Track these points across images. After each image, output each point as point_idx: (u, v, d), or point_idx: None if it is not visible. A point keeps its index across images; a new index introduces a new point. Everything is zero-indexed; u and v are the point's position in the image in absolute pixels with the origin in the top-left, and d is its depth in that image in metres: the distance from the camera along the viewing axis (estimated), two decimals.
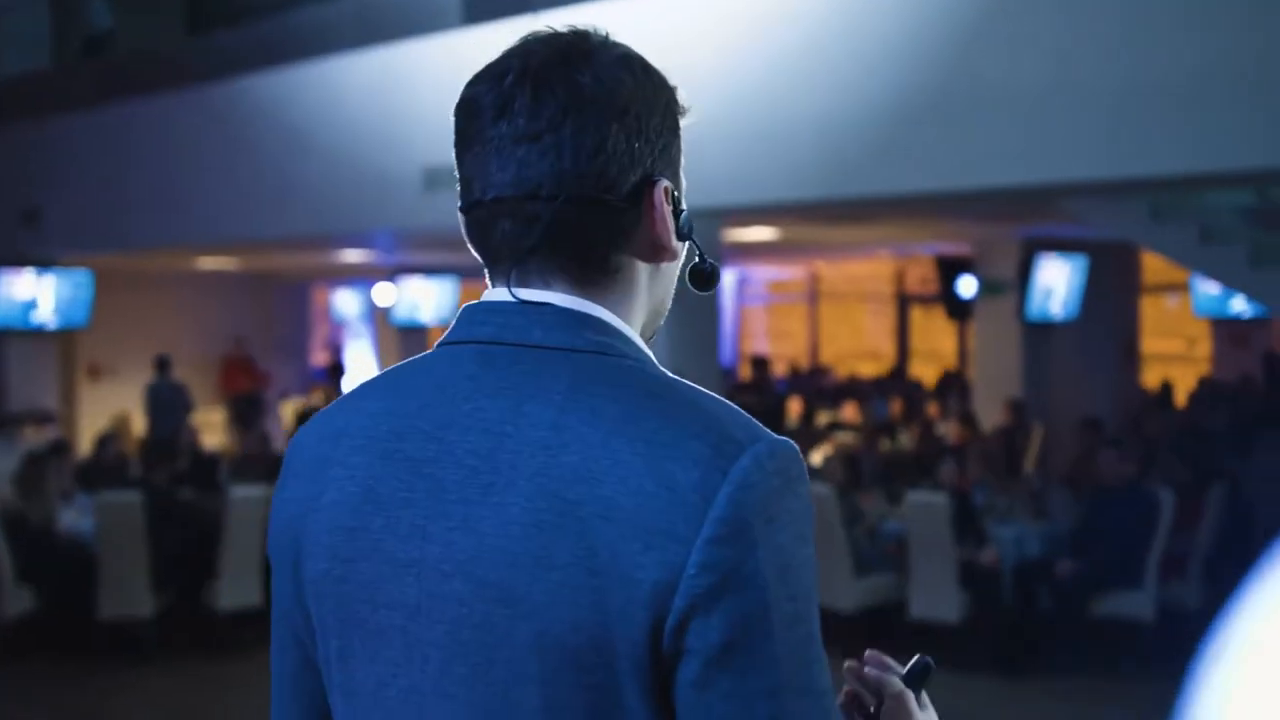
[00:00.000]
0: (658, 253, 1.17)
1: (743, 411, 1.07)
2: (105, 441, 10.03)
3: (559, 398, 1.06)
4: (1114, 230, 9.30)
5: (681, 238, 1.18)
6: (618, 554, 1.01)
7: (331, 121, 10.15)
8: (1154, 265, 13.96)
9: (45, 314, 12.50)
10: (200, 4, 12.50)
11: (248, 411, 14.13)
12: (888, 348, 19.49)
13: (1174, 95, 6.37)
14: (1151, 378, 14.76)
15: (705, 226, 9.35)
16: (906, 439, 11.50)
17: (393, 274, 14.61)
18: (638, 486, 1.01)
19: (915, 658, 1.27)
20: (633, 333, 1.16)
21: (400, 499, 1.09)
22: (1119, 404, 12.25)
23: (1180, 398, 13.10)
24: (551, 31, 1.17)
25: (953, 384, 15.14)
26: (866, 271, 19.10)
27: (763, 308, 21.18)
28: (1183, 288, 14.51)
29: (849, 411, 12.76)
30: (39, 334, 12.85)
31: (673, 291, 1.23)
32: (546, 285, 1.13)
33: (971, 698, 7.11)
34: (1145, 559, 7.39)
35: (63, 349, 13.94)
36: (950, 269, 12.91)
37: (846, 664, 1.26)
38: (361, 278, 17.30)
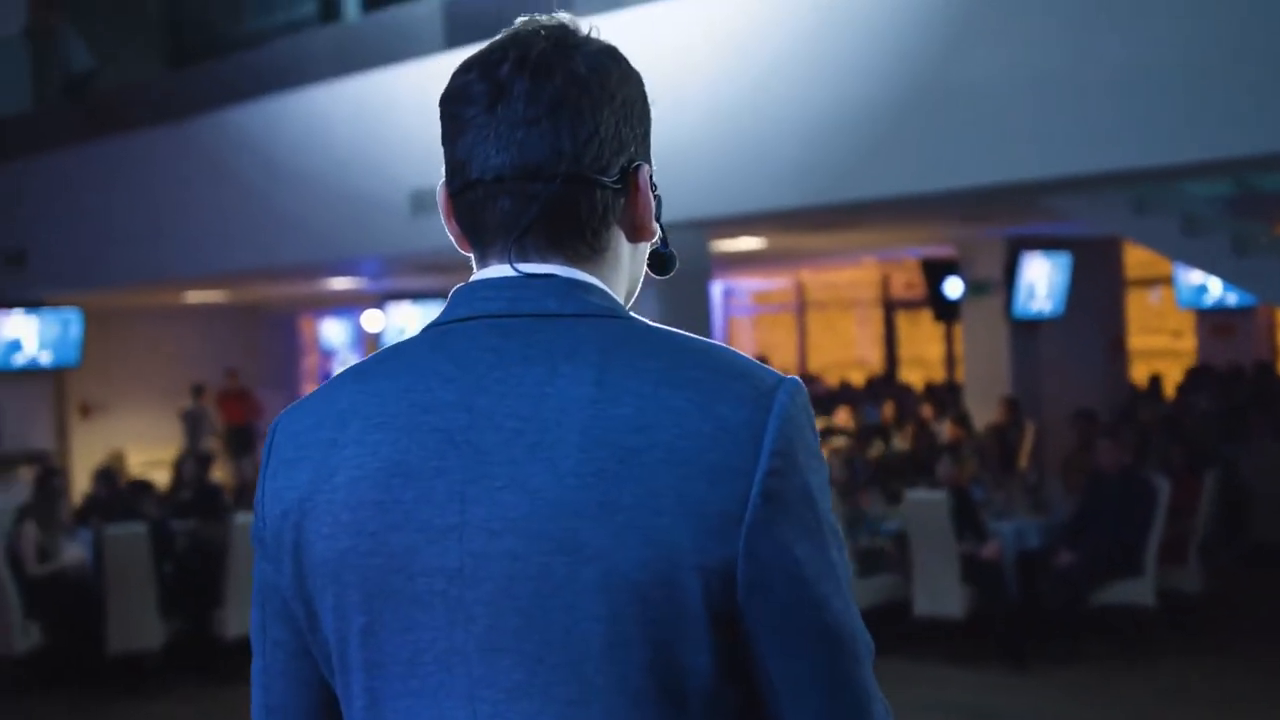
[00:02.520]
0: (640, 232, 1.24)
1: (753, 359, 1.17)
2: (104, 475, 10.04)
3: (595, 356, 1.12)
4: (1097, 225, 9.40)
5: (657, 219, 1.26)
6: (684, 494, 1.08)
7: (316, 150, 10.20)
8: (1137, 259, 14.07)
9: (35, 353, 12.51)
10: (180, 38, 12.54)
11: (242, 442, 14.16)
12: (875, 355, 19.56)
13: (1152, 86, 6.46)
14: (1138, 372, 14.86)
15: (691, 238, 9.44)
16: (900, 441, 11.56)
17: (381, 300, 14.64)
18: (695, 429, 1.09)
19: None
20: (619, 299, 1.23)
21: (432, 468, 1.12)
22: (1108, 398, 12.34)
23: (1169, 391, 13.20)
24: (542, 23, 1.23)
25: (941, 391, 15.23)
26: (852, 279, 19.18)
27: (750, 319, 21.25)
28: (1166, 281, 14.63)
29: (841, 417, 12.80)
30: (30, 374, 12.85)
31: (643, 272, 1.30)
32: (544, 260, 1.19)
33: (979, 691, 7.16)
34: (1144, 546, 7.45)
35: (54, 388, 13.93)
36: (936, 271, 13.00)
37: None
38: (349, 305, 17.32)
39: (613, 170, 1.20)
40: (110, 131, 11.69)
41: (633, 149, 1.22)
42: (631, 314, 1.20)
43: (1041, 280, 12.05)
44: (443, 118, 1.22)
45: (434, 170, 1.24)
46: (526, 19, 1.24)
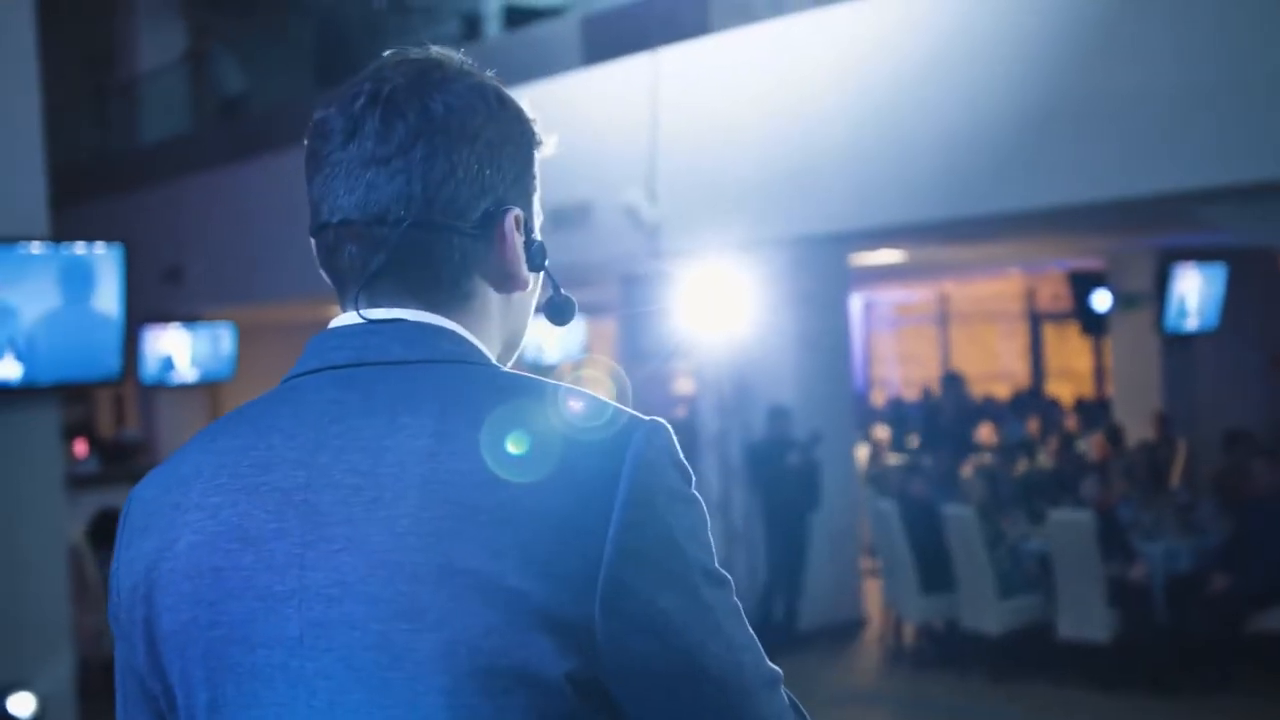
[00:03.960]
0: (509, 282, 1.16)
1: (613, 402, 1.08)
2: None
3: (436, 406, 1.05)
4: (1253, 235, 9.07)
5: (534, 268, 1.17)
6: (531, 552, 1.00)
7: None
8: None
9: (190, 368, 12.93)
10: (327, 60, 12.86)
11: None
12: (1020, 368, 19.17)
13: None
14: None
15: (829, 251, 9.36)
16: (1044, 458, 11.29)
17: None
18: (541, 482, 1.01)
19: None
20: (489, 353, 1.15)
21: (271, 530, 1.06)
22: (1267, 415, 11.88)
23: None
24: (406, 56, 1.15)
25: (1090, 407, 14.85)
26: (996, 290, 18.84)
27: (892, 332, 20.99)
28: None
29: (984, 433, 12.57)
30: (188, 387, 13.29)
31: (527, 324, 1.22)
32: (396, 305, 1.12)
33: (1125, 718, 6.94)
34: None
35: (209, 401, 14.39)
36: (1083, 284, 12.68)
37: None
38: None
39: (471, 215, 1.12)
40: (262, 150, 12.05)
41: (500, 191, 1.13)
42: (490, 363, 1.13)
43: (1194, 292, 11.67)
44: (306, 154, 1.16)
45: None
46: (392, 52, 1.16)
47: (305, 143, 1.16)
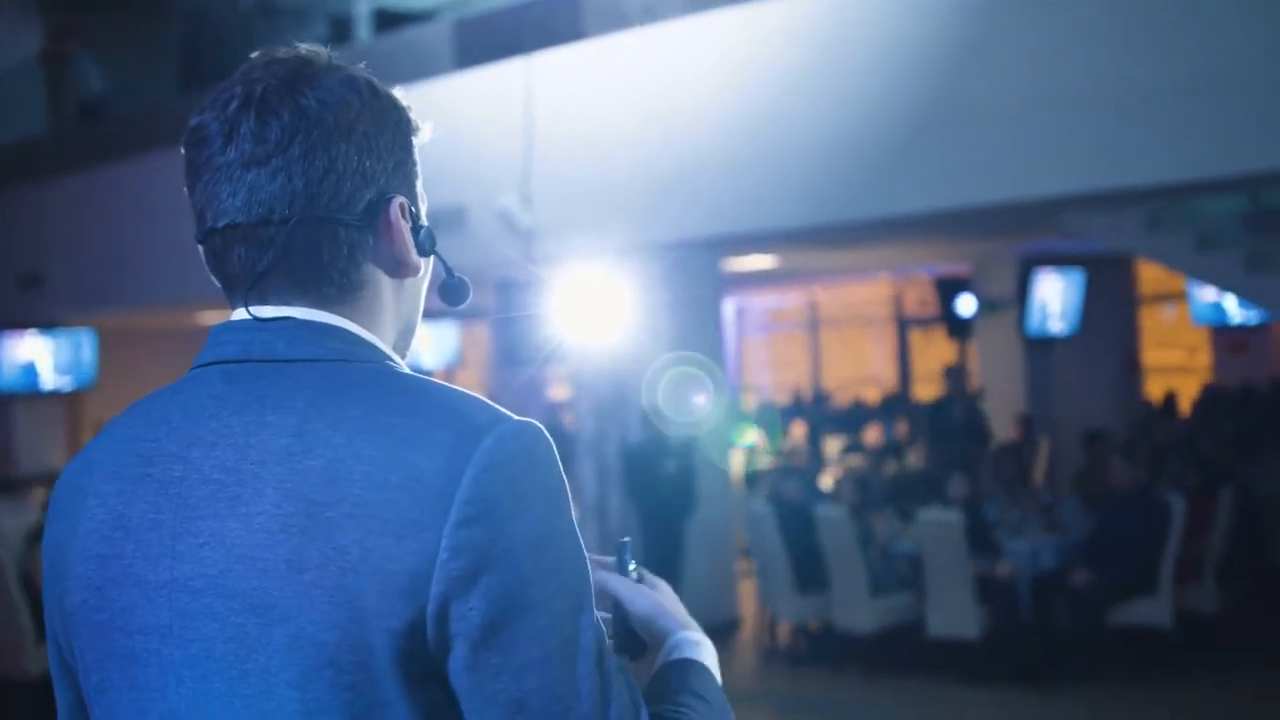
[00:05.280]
0: (398, 268, 1.17)
1: (489, 401, 1.08)
2: None
3: (302, 405, 1.07)
4: (1111, 242, 9.37)
5: (424, 253, 1.19)
6: (369, 550, 1.01)
7: None
8: (1151, 276, 14.03)
9: (51, 376, 12.54)
10: (192, 62, 12.59)
11: None
12: (889, 372, 19.53)
13: (1167, 102, 6.44)
14: (1154, 389, 14.79)
15: (703, 256, 9.43)
16: (914, 460, 11.52)
17: None
18: (382, 480, 1.02)
19: (620, 543, 1.32)
20: (383, 345, 1.16)
21: (149, 521, 1.09)
22: (1123, 415, 12.29)
23: (1184, 408, 13.14)
24: (274, 56, 1.17)
25: None
26: (865, 296, 19.16)
27: (764, 337, 21.23)
28: (1180, 297, 14.57)
29: (871, 435, 12.79)
30: (46, 395, 12.89)
31: (420, 309, 1.24)
32: (285, 303, 1.13)
33: (995, 711, 7.12)
34: (1159, 565, 7.41)
35: (69, 409, 13.96)
36: (949, 289, 12.97)
37: None
38: None
39: (356, 206, 1.13)
40: (124, 154, 11.74)
41: (381, 182, 1.15)
42: (383, 358, 1.14)
43: (1054, 298, 12.02)
44: (185, 162, 1.17)
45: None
46: (260, 53, 1.17)
47: (182, 151, 1.17)
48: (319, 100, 1.13)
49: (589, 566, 1.08)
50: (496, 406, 1.08)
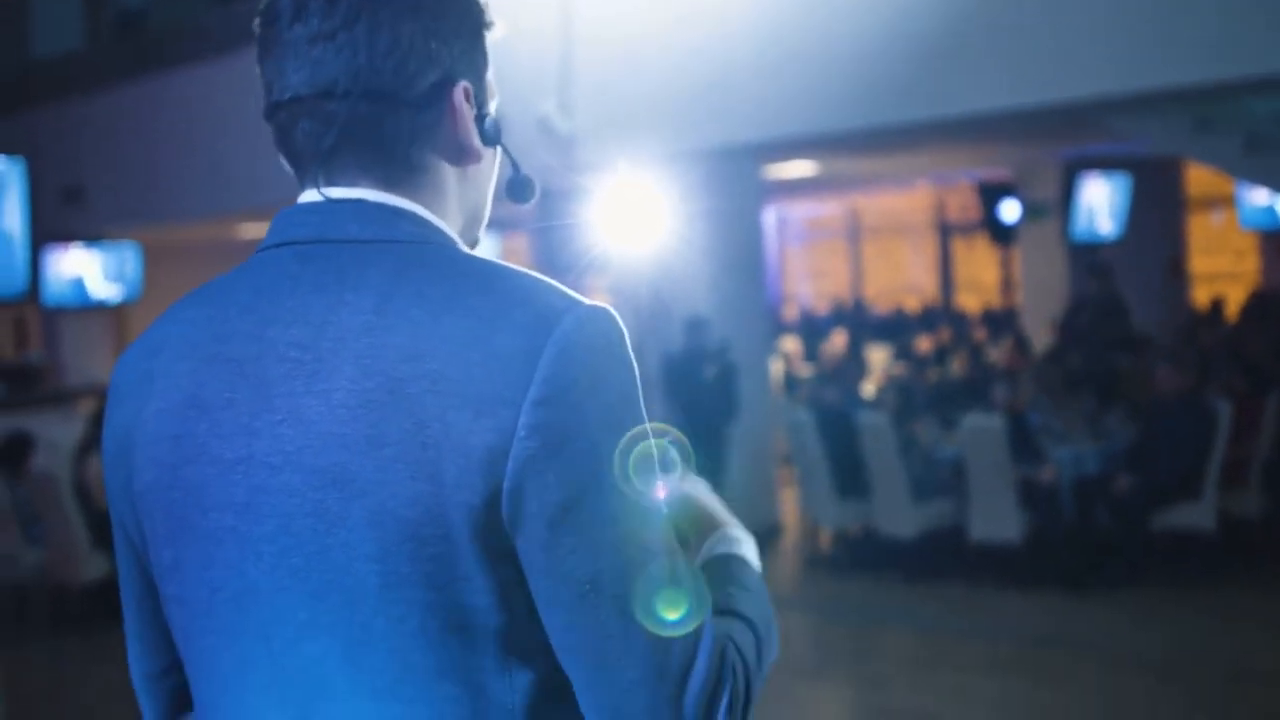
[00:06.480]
0: (460, 154, 1.18)
1: (563, 286, 1.09)
2: None
3: (380, 284, 1.08)
4: (1159, 144, 9.23)
5: (488, 142, 1.19)
6: (449, 425, 1.02)
7: None
8: (1198, 179, 13.82)
9: (97, 288, 12.66)
10: None
11: None
12: (929, 282, 19.42)
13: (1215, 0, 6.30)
14: (1200, 295, 14.64)
15: (743, 163, 9.35)
16: (955, 367, 11.49)
17: None
18: (465, 358, 1.03)
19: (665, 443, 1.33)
20: (450, 230, 1.17)
21: (224, 400, 1.10)
22: (1169, 322, 12.18)
23: (1231, 313, 13.00)
24: None
25: (996, 317, 15.09)
26: (906, 204, 19.01)
27: (803, 247, 21.12)
28: (1228, 202, 14.36)
29: (924, 344, 12.74)
30: (92, 309, 13.03)
31: (488, 201, 1.24)
32: (354, 184, 1.14)
33: (1036, 616, 7.16)
34: (1204, 470, 7.38)
35: (116, 323, 14.12)
36: (992, 194, 12.84)
37: None
38: None
39: (419, 86, 1.14)
40: (162, 67, 11.73)
41: (447, 65, 1.15)
42: (453, 242, 1.15)
43: (1100, 202, 11.88)
44: (257, 40, 1.17)
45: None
46: None
47: (256, 29, 1.17)
48: None
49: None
50: (570, 291, 1.09)
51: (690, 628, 1.06)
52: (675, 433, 1.33)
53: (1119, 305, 11.30)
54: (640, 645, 1.04)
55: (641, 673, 1.05)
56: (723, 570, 1.22)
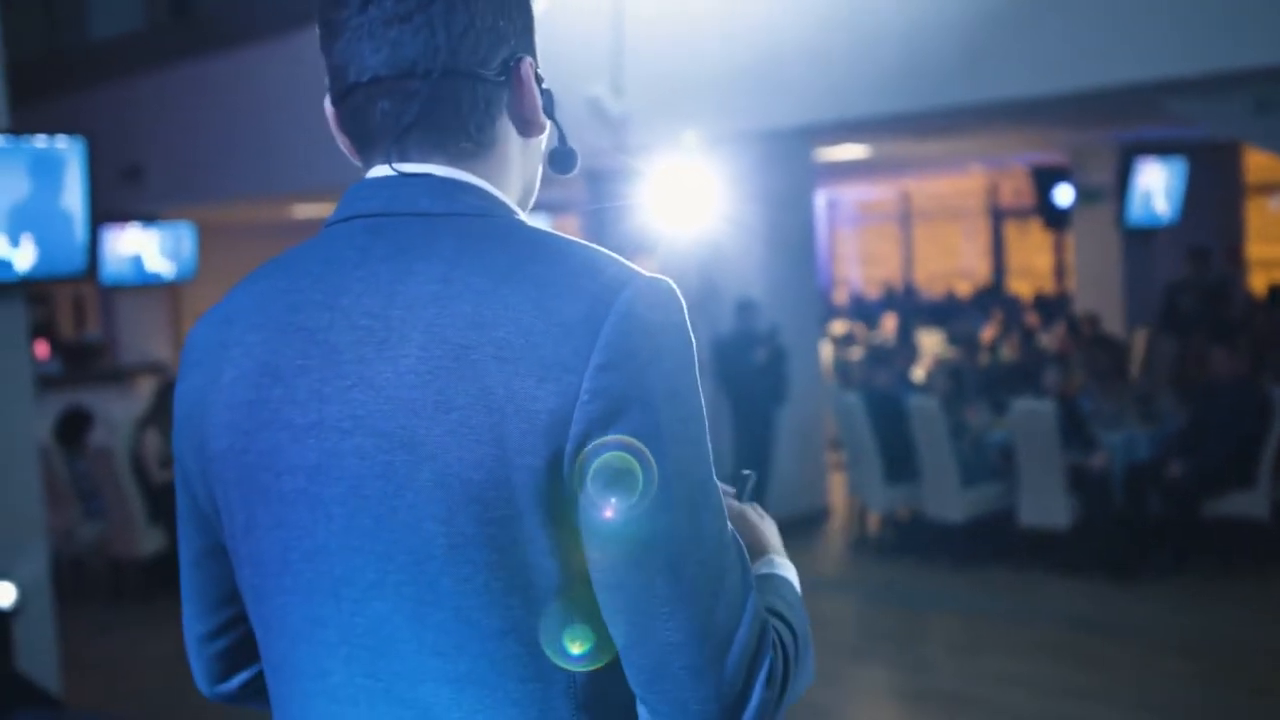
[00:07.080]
0: (528, 126, 1.22)
1: (621, 257, 1.13)
2: None
3: (447, 254, 1.12)
4: (1216, 128, 9.11)
5: (547, 114, 1.24)
6: (514, 390, 1.06)
7: None
8: (1257, 164, 13.64)
9: (154, 266, 12.82)
10: None
11: None
12: (981, 267, 19.28)
13: None
14: (1257, 282, 14.46)
15: (794, 146, 9.33)
16: (1007, 352, 11.42)
17: None
18: (529, 325, 1.07)
19: (743, 475, 1.39)
20: (511, 202, 1.21)
21: (296, 367, 1.14)
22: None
23: None
24: None
25: (1048, 303, 14.98)
26: (958, 188, 18.87)
27: (854, 230, 21.03)
28: None
29: (988, 333, 12.66)
30: (149, 287, 13.20)
31: (540, 172, 1.28)
32: (425, 160, 1.18)
33: (1083, 601, 7.12)
34: (1258, 458, 7.31)
35: (172, 301, 14.30)
36: (1046, 179, 12.72)
37: None
38: None
39: (492, 63, 1.18)
40: (218, 48, 11.84)
41: (513, 41, 1.20)
42: (515, 215, 1.19)
43: (1156, 187, 11.74)
44: (319, 25, 1.20)
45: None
46: None
47: (318, 14, 1.20)
48: None
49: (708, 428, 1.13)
50: (629, 263, 1.12)
51: (736, 596, 1.09)
52: (752, 474, 1.40)
53: (1223, 288, 11.18)
54: (686, 608, 1.07)
55: (685, 635, 1.07)
56: (766, 584, 1.26)
